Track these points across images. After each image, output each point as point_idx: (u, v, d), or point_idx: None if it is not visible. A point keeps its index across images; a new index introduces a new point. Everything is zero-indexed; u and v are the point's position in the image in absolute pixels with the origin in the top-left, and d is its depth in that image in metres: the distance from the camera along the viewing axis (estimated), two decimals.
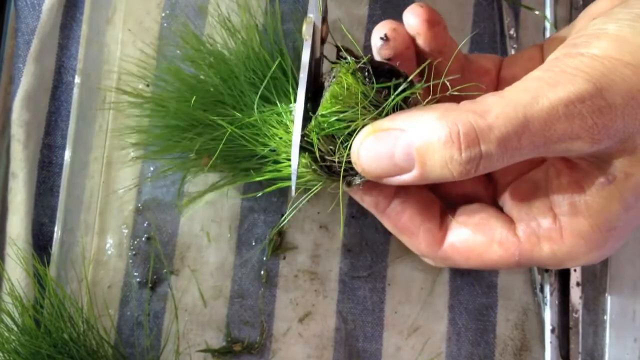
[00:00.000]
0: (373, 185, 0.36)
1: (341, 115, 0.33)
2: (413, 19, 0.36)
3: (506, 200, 0.37)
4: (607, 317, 0.50)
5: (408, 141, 0.31)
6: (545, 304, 0.50)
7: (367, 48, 0.54)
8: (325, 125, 0.34)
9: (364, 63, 0.34)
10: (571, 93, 0.29)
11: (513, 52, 0.53)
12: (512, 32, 0.53)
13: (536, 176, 0.37)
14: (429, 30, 0.36)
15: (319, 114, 0.34)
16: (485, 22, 0.54)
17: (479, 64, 0.40)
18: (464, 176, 0.30)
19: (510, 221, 0.36)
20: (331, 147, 0.35)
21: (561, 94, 0.29)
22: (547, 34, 0.54)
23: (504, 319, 0.51)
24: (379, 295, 0.51)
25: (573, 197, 0.32)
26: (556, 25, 0.53)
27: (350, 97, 0.33)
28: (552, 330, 0.49)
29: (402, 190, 0.37)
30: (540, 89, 0.29)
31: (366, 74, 0.34)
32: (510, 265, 0.35)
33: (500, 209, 0.38)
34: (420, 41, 0.36)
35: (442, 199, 0.39)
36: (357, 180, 0.35)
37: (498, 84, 0.40)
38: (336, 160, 0.34)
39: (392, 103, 0.33)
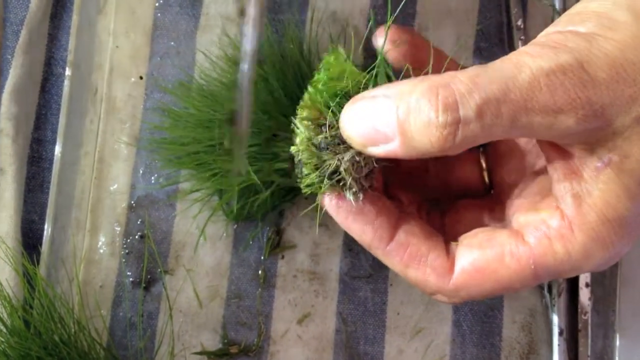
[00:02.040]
0: (374, 216, 0.36)
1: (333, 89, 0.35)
2: (378, 42, 0.38)
3: (510, 208, 0.38)
4: (618, 319, 0.50)
5: (389, 106, 0.31)
6: (554, 305, 0.50)
7: (369, 40, 0.53)
8: (318, 94, 0.35)
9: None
10: (552, 64, 0.29)
11: (520, 44, 0.53)
12: (519, 23, 0.53)
13: (536, 180, 0.37)
14: (394, 51, 0.37)
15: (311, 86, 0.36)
16: (491, 13, 0.54)
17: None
18: (445, 146, 0.30)
19: (517, 231, 0.35)
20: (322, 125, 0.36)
21: (543, 64, 0.29)
22: None
23: (510, 320, 0.51)
24: (380, 296, 0.51)
25: (574, 188, 0.32)
26: None
27: (340, 71, 0.35)
28: (561, 333, 0.49)
29: (403, 222, 0.37)
30: (522, 60, 0.30)
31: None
32: (528, 279, 0.34)
33: (503, 223, 0.38)
34: (391, 59, 0.39)
35: (448, 234, 0.39)
36: (353, 187, 0.35)
37: None
38: (327, 135, 0.35)
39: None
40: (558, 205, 0.33)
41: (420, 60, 0.38)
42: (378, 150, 0.33)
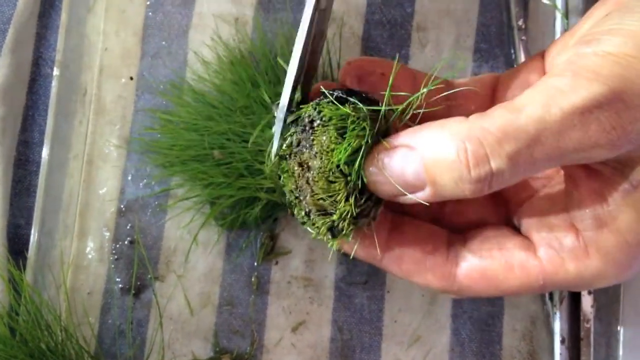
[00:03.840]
0: (363, 236, 0.36)
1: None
2: (344, 78, 0.37)
3: (522, 220, 0.37)
4: (621, 328, 0.50)
5: (417, 159, 0.31)
6: (555, 313, 0.50)
7: (366, 40, 0.54)
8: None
9: (340, 91, 0.34)
10: (586, 99, 0.28)
11: (521, 44, 0.53)
12: (520, 22, 0.53)
13: (553, 190, 0.36)
14: (364, 83, 0.36)
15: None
16: (492, 12, 0.54)
17: (465, 87, 0.39)
18: (477, 194, 0.30)
19: (529, 243, 0.35)
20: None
21: (575, 101, 0.28)
22: (558, 26, 0.53)
23: (510, 329, 0.51)
24: (377, 304, 0.51)
25: (595, 209, 0.32)
26: (567, 16, 0.53)
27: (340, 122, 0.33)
28: (562, 341, 0.49)
29: (395, 232, 0.37)
30: (551, 97, 0.29)
31: (343, 95, 0.34)
32: (534, 291, 0.34)
33: (515, 230, 0.37)
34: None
35: (448, 228, 0.38)
36: (345, 227, 0.34)
37: (493, 104, 0.39)
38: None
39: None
40: (574, 224, 0.33)
41: (400, 89, 0.37)
42: (406, 199, 0.32)
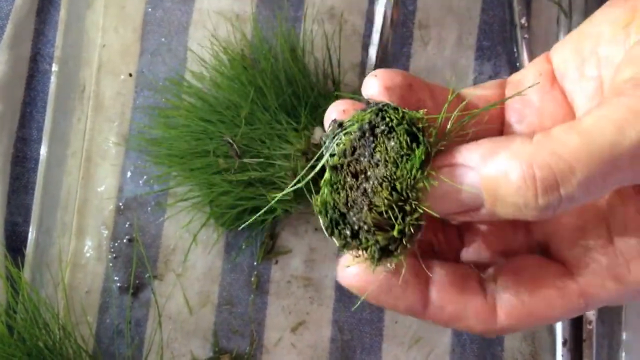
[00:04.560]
0: (403, 290, 0.35)
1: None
2: (372, 90, 0.35)
3: (551, 241, 0.35)
4: (623, 329, 0.50)
5: (475, 180, 0.30)
6: None
7: (368, 37, 0.54)
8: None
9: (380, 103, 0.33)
10: None
11: (524, 43, 0.53)
12: (523, 20, 0.53)
13: (586, 206, 0.35)
14: (391, 96, 0.34)
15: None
16: (494, 10, 0.54)
17: (476, 97, 0.38)
18: (541, 218, 0.29)
19: (562, 266, 0.34)
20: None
21: None
22: (561, 24, 0.53)
23: None
24: None
25: None
26: (571, 15, 0.53)
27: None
28: (564, 343, 0.49)
29: (432, 279, 0.36)
30: (625, 120, 0.27)
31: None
32: (576, 314, 0.33)
33: (542, 253, 0.36)
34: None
35: (475, 263, 0.38)
36: (401, 246, 0.31)
37: (503, 110, 0.38)
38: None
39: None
40: (613, 241, 0.32)
41: (421, 100, 0.36)
42: (460, 219, 0.31)
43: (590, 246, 0.33)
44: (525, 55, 0.53)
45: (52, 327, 0.46)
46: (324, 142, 0.33)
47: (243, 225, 0.46)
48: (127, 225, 0.52)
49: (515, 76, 0.38)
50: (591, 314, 0.49)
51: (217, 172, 0.47)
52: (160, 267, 0.51)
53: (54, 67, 0.52)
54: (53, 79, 0.52)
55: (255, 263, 0.51)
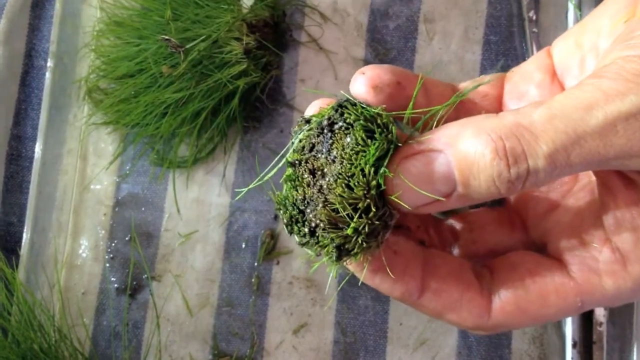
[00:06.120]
0: (400, 270, 0.35)
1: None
2: (359, 89, 0.35)
3: (548, 238, 0.36)
4: (635, 332, 0.49)
5: (445, 161, 0.30)
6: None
7: (372, 32, 0.53)
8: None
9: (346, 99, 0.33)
10: (633, 105, 0.28)
11: (532, 37, 0.52)
12: (531, 14, 0.53)
13: (579, 203, 0.35)
14: (380, 94, 0.34)
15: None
16: (501, 3, 0.53)
17: (475, 91, 0.38)
18: (510, 193, 0.30)
19: (559, 263, 0.34)
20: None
21: (620, 107, 0.28)
22: (570, 18, 0.53)
23: (520, 332, 0.50)
24: (382, 305, 0.51)
25: (635, 221, 0.31)
26: (580, 7, 0.53)
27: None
28: (574, 345, 0.49)
29: (427, 267, 0.36)
30: (594, 100, 0.28)
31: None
32: (571, 313, 0.33)
33: (539, 250, 0.36)
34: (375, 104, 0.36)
35: (468, 258, 0.38)
36: (357, 245, 0.31)
37: (501, 105, 0.38)
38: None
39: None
40: (609, 238, 0.33)
41: (410, 97, 0.36)
42: (432, 208, 0.31)
43: (587, 244, 0.33)
44: (534, 50, 0.52)
45: (48, 330, 0.46)
46: (292, 138, 0.33)
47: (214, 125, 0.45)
48: (124, 225, 0.51)
49: (515, 70, 0.38)
50: (601, 315, 0.49)
51: (169, 84, 0.47)
52: (158, 267, 0.51)
53: (49, 63, 0.52)
54: (48, 75, 0.51)
55: (255, 264, 0.51)
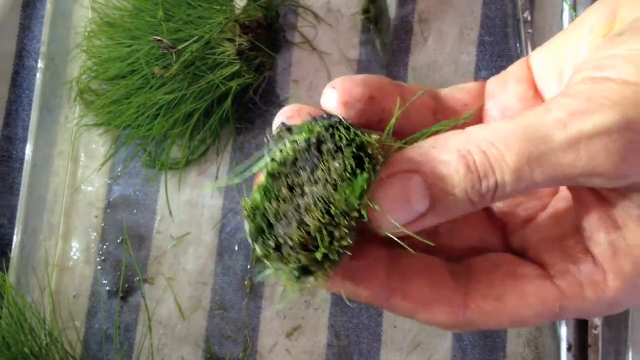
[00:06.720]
0: (364, 274, 0.35)
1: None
2: (330, 105, 0.34)
3: (529, 244, 0.36)
4: (630, 335, 0.50)
5: (420, 182, 0.30)
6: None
7: (366, 33, 0.53)
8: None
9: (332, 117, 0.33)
10: (597, 125, 0.28)
11: (528, 38, 0.52)
12: (526, 15, 0.53)
13: (560, 210, 0.36)
14: (350, 110, 0.34)
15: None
16: (497, 4, 0.53)
17: (453, 99, 0.38)
18: (483, 206, 0.30)
19: (541, 267, 0.34)
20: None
21: (584, 127, 0.28)
22: (566, 19, 0.53)
23: (515, 335, 0.50)
24: (376, 308, 0.51)
25: (610, 235, 0.31)
26: (575, 9, 0.53)
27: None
28: (569, 349, 0.49)
29: (395, 268, 0.36)
30: (560, 118, 0.29)
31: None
32: (547, 320, 0.34)
33: (518, 255, 0.36)
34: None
35: (444, 256, 0.38)
36: (322, 268, 0.30)
37: (482, 115, 0.39)
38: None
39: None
40: (589, 249, 0.33)
41: (386, 109, 0.36)
42: (411, 228, 0.31)
43: (569, 253, 0.33)
44: (529, 51, 0.52)
45: (39, 333, 0.46)
46: (268, 143, 0.32)
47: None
48: (116, 228, 0.51)
49: (493, 81, 0.38)
50: (597, 319, 0.49)
51: (161, 86, 0.48)
52: (150, 270, 0.51)
53: (40, 64, 0.51)
54: (39, 75, 0.51)
55: (249, 266, 0.51)
